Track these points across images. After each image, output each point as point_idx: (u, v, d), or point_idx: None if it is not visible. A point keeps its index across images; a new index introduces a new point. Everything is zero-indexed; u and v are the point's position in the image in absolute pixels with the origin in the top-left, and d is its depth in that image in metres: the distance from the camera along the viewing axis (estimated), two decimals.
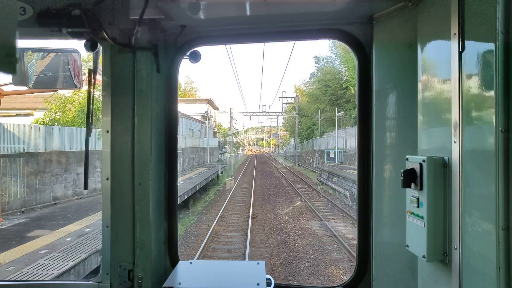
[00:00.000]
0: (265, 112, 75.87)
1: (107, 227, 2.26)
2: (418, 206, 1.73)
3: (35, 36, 2.22)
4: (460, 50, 1.55)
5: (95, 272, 9.38)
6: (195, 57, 2.40)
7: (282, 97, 75.47)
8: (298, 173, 46.49)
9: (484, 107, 1.45)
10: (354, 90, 42.86)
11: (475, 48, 1.49)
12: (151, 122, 2.24)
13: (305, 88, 69.05)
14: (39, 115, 25.29)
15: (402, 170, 1.78)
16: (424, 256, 1.68)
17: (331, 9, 2.19)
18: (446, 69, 1.63)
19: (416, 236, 1.75)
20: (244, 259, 11.97)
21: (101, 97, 2.26)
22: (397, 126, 2.13)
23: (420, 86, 1.86)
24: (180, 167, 29.24)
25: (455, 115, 1.58)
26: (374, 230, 2.24)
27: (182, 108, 47.92)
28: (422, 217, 1.70)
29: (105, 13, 2.11)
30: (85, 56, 15.56)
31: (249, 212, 19.28)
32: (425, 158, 1.68)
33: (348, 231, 15.77)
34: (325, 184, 30.14)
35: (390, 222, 2.16)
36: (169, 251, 2.52)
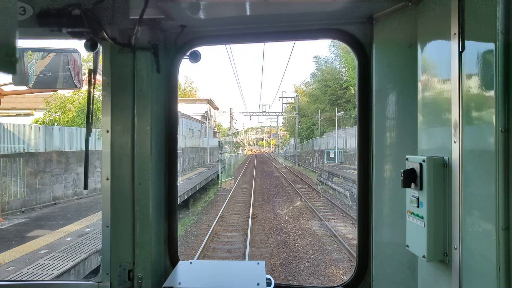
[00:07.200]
0: (265, 112, 75.75)
1: (107, 227, 2.26)
2: (418, 206, 1.73)
3: (35, 36, 2.22)
4: (460, 50, 1.55)
5: (95, 272, 9.38)
6: (195, 57, 2.40)
7: (282, 97, 75.48)
8: (298, 173, 46.47)
9: (484, 107, 1.45)
10: (354, 90, 42.84)
11: (475, 48, 1.49)
12: (151, 122, 2.24)
13: (305, 88, 68.98)
14: (39, 115, 25.31)
15: (402, 170, 1.78)
16: (424, 256, 1.68)
17: (331, 9, 2.19)
18: (446, 69, 1.63)
19: (416, 236, 1.75)
20: (244, 259, 11.96)
21: (101, 97, 2.26)
22: (397, 126, 2.13)
23: (420, 86, 1.85)
24: (180, 167, 29.23)
25: (455, 115, 1.58)
26: (374, 230, 2.24)
27: (182, 108, 47.90)
28: (422, 217, 1.70)
29: (105, 13, 2.10)
30: (85, 56, 15.59)
31: (249, 212, 19.27)
32: (425, 158, 1.68)
33: (348, 231, 15.76)
34: (325, 184, 30.12)
35: (390, 222, 2.16)
36: (169, 251, 2.52)
